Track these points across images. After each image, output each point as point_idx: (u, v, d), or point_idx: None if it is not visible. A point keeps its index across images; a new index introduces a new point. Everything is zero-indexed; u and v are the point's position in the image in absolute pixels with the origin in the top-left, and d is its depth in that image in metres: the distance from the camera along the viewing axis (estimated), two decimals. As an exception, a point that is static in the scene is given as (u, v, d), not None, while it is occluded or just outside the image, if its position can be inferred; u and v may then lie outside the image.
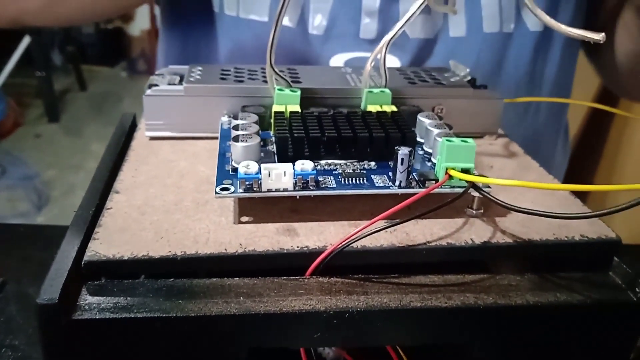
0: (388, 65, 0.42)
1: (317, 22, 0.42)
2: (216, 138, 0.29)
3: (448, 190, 0.24)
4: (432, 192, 0.23)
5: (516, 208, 0.23)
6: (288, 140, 0.26)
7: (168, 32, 0.49)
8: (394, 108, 0.30)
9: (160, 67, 0.35)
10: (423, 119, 0.29)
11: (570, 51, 0.46)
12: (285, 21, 0.42)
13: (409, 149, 0.24)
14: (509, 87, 0.45)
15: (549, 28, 0.43)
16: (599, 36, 0.23)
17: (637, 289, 0.23)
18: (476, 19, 0.42)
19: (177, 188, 0.27)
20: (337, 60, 0.43)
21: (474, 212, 0.25)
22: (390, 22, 0.41)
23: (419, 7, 0.28)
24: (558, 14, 0.43)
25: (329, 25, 0.42)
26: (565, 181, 0.54)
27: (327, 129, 0.26)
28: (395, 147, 0.24)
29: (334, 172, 0.25)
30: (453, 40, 0.43)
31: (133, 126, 0.35)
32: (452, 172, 0.24)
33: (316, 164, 0.25)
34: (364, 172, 0.25)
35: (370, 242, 0.23)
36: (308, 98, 0.30)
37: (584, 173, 0.78)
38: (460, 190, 0.24)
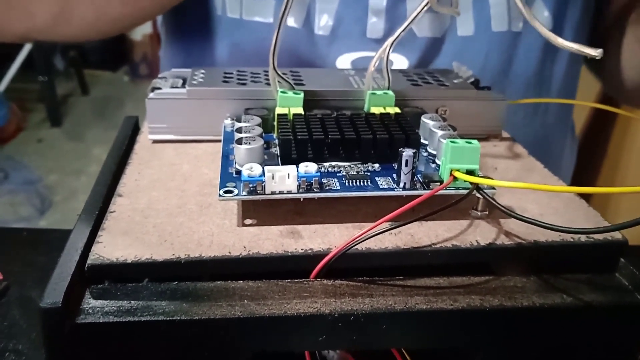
0: (396, 63, 0.42)
1: (323, 22, 0.42)
2: (219, 141, 0.29)
3: (453, 191, 0.24)
4: (436, 193, 0.23)
5: (518, 216, 0.23)
6: (291, 142, 0.26)
7: (170, 36, 0.49)
8: (398, 110, 0.30)
9: (164, 71, 0.35)
10: (427, 121, 0.29)
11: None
12: (291, 22, 0.42)
13: (413, 151, 0.24)
14: (518, 87, 0.44)
15: (558, 28, 0.43)
16: (597, 52, 0.23)
17: (644, 291, 0.23)
18: (484, 17, 0.42)
19: (181, 191, 0.27)
20: (344, 60, 0.43)
21: (479, 213, 0.25)
22: (397, 21, 0.41)
23: (422, 9, 0.28)
24: (566, 18, 0.43)
25: (335, 26, 0.42)
26: (572, 181, 0.54)
27: (331, 131, 0.26)
28: (399, 149, 0.24)
29: (337, 174, 0.25)
30: (461, 39, 0.43)
31: (136, 129, 0.35)
32: (456, 174, 0.24)
33: (320, 166, 0.25)
34: (368, 174, 0.25)
35: (374, 244, 0.23)
36: (311, 100, 0.30)
37: (587, 173, 0.78)
38: (465, 191, 0.24)
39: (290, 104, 0.29)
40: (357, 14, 0.42)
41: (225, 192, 0.23)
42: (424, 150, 0.28)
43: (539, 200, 0.27)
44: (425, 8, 0.28)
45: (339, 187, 0.24)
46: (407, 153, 0.24)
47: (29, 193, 1.51)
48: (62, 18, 0.40)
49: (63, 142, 1.83)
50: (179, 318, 0.20)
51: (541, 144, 0.46)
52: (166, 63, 0.50)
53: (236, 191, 0.24)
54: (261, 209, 0.25)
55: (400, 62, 0.43)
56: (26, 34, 0.42)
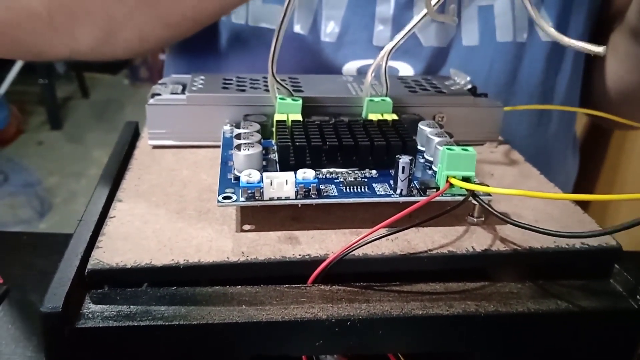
0: (402, 72, 0.43)
1: (330, 29, 0.42)
2: (218, 147, 0.29)
3: (449, 198, 0.24)
4: (433, 200, 0.24)
5: (513, 221, 0.23)
6: (290, 148, 0.26)
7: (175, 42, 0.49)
8: (395, 116, 0.30)
9: (167, 76, 0.36)
10: (424, 128, 0.29)
11: (580, 62, 0.46)
12: (297, 29, 0.43)
13: (410, 158, 0.24)
14: (522, 97, 0.44)
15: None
16: (601, 48, 0.23)
17: (637, 297, 0.23)
18: (489, 28, 0.42)
19: (180, 197, 0.27)
20: (350, 67, 0.43)
21: (475, 220, 0.25)
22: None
23: (421, 18, 0.28)
24: (568, 32, 0.43)
25: (341, 32, 0.42)
26: (575, 189, 0.54)
27: (329, 138, 0.27)
28: (396, 156, 0.24)
29: (335, 181, 0.25)
30: (466, 49, 0.43)
31: (136, 135, 0.35)
32: (452, 181, 0.24)
33: (318, 172, 0.25)
34: (365, 180, 0.26)
35: (371, 250, 0.23)
36: (310, 107, 0.31)
37: (585, 180, 0.78)
38: (461, 198, 0.24)
39: (288, 111, 0.30)
40: (364, 21, 0.42)
41: (224, 198, 0.24)
42: (420, 157, 0.28)
43: (534, 207, 0.27)
44: (424, 17, 0.28)
45: (336, 194, 0.24)
46: (404, 160, 0.24)
47: (28, 195, 1.52)
48: (106, 42, 0.40)
49: (63, 144, 1.83)
50: (177, 323, 0.20)
51: (545, 155, 0.46)
52: (170, 68, 0.50)
53: (235, 197, 0.24)
54: (259, 215, 0.25)
55: (407, 71, 0.43)
56: (69, 56, 0.42)
